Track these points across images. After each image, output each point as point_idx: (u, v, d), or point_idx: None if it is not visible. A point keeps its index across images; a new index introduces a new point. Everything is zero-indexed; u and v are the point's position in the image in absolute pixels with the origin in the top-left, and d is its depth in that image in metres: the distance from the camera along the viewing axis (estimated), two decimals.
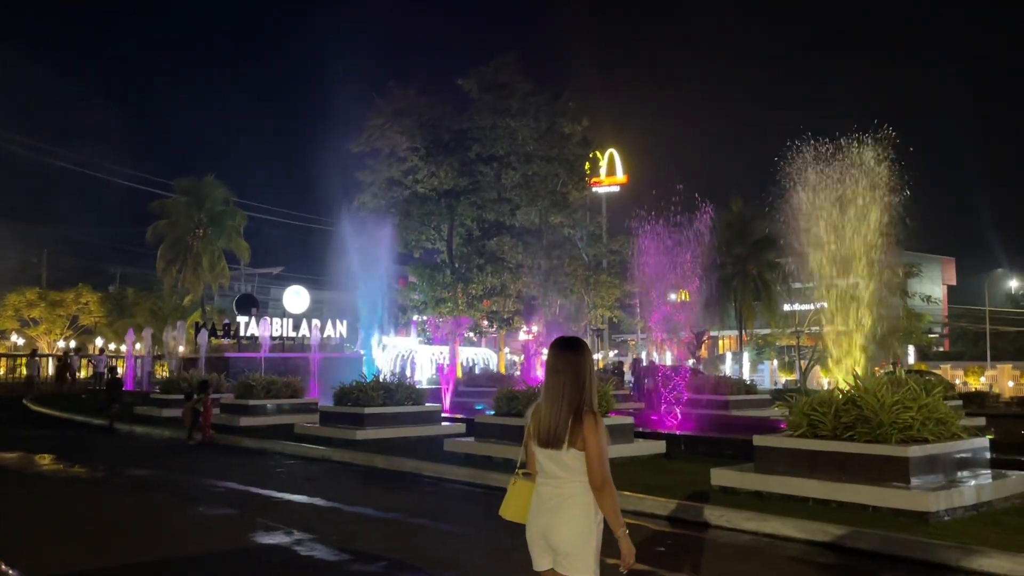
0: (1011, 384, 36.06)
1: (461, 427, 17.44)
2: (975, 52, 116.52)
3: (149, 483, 12.44)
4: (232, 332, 31.42)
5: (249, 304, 34.73)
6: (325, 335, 32.45)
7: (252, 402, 20.03)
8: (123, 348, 44.90)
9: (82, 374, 40.05)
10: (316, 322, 32.62)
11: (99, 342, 50.92)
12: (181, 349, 33.07)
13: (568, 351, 3.71)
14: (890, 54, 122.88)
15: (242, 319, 31.54)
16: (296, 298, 36.41)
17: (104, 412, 20.66)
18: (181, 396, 20.61)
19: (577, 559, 3.61)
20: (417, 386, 20.71)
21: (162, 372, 37.13)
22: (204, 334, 30.79)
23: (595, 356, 54.88)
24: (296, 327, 32.18)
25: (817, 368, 41.37)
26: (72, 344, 49.91)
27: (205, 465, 14.06)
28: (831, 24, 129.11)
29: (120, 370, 31.44)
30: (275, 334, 31.42)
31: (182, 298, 54.54)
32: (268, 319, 32.57)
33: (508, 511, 3.86)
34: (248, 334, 31.02)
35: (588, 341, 56.98)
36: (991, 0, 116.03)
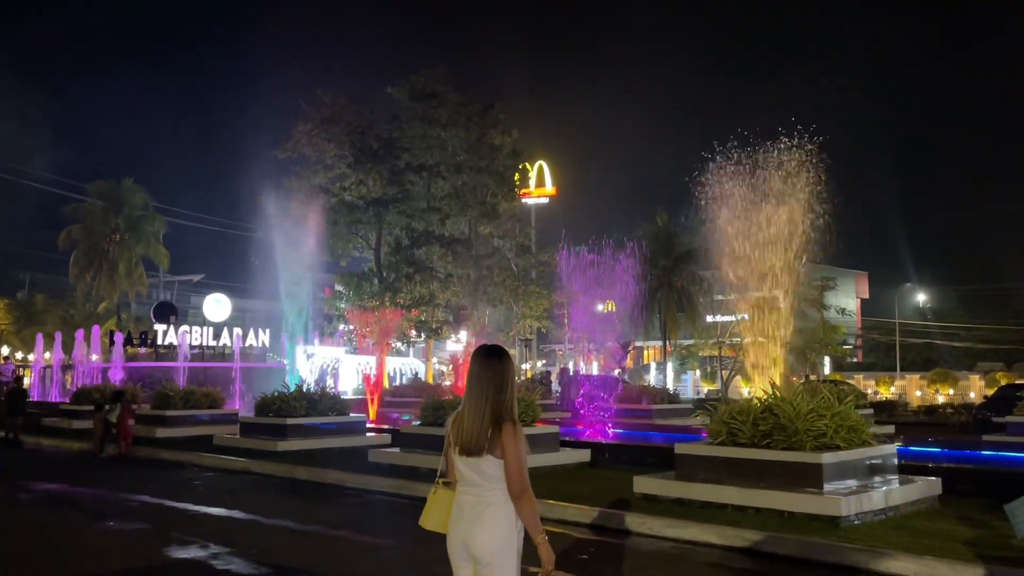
0: (919, 393, 37.64)
1: (387, 438, 17.25)
2: (891, 68, 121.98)
3: (57, 499, 11.92)
4: (149, 341, 30.42)
5: (168, 312, 33.71)
6: (247, 344, 31.73)
7: (170, 413, 19.41)
8: (31, 357, 42.96)
9: None
10: (238, 331, 31.87)
11: (5, 351, 48.59)
12: (94, 358, 31.82)
13: (490, 358, 3.70)
14: (809, 68, 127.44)
15: (160, 327, 30.58)
16: (217, 306, 35.51)
17: (4, 425, 19.68)
18: (92, 407, 19.82)
19: (498, 568, 3.58)
20: (342, 396, 20.40)
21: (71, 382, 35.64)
22: (120, 341, 29.72)
23: (523, 366, 55.00)
24: (217, 336, 31.37)
25: (738, 378, 42.45)
26: None
27: (118, 479, 13.53)
28: (757, 37, 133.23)
29: (26, 380, 30.04)
30: (195, 343, 30.56)
31: (96, 306, 52.61)
32: (187, 327, 31.65)
33: (429, 521, 3.83)
34: (166, 343, 30.08)
35: (515, 351, 57.14)
36: (909, 18, 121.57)
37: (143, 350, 30.65)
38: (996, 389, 28.56)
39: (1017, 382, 28.67)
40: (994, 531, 7.93)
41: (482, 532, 3.59)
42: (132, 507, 10.88)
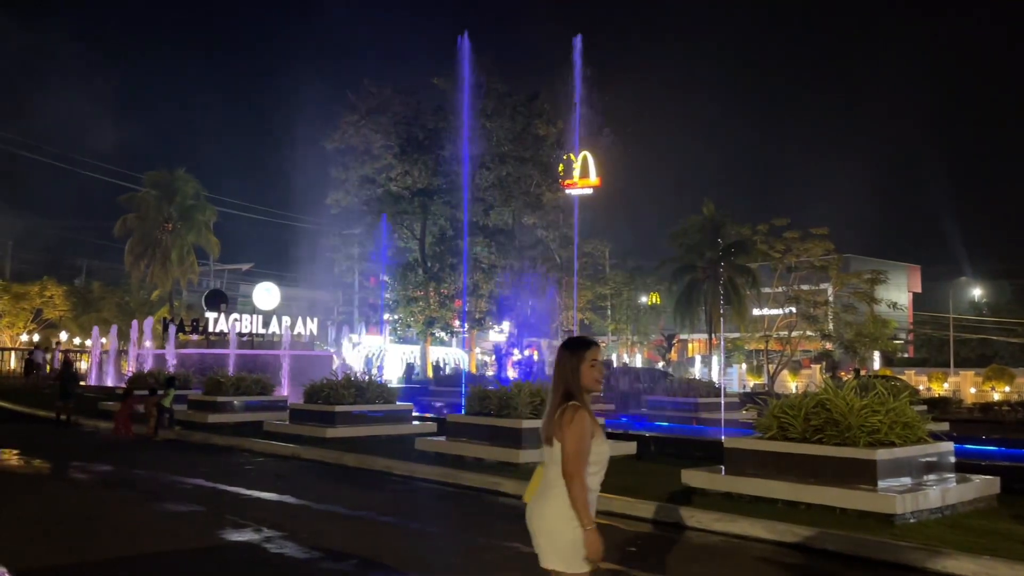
0: (973, 390, 36.70)
1: (432, 426, 17.39)
2: (948, 64, 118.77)
3: (115, 480, 12.25)
4: (201, 328, 31.06)
5: (218, 300, 34.37)
6: (295, 332, 32.20)
7: (221, 399, 19.80)
8: (88, 343, 44.18)
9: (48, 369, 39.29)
10: (286, 319, 32.36)
11: (63, 336, 50.06)
12: (148, 344, 32.61)
13: (562, 349, 3.84)
14: (866, 64, 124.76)
15: (211, 315, 31.19)
16: (266, 295, 36.10)
17: (57, 408, 20.46)
18: (146, 392, 20.33)
19: (543, 549, 3.70)
20: (387, 385, 20.62)
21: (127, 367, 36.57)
22: (172, 330, 30.41)
23: None
24: (266, 324, 31.89)
25: (784, 372, 41.84)
26: (36, 338, 48.98)
27: (172, 462, 13.87)
28: (814, 34, 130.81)
29: (75, 364, 30.85)
30: (244, 331, 31.11)
31: (150, 293, 53.88)
32: (237, 315, 32.23)
33: (526, 495, 3.96)
34: (217, 330, 30.68)
35: (557, 343, 57.15)
36: (967, 17, 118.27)
37: (194, 337, 31.29)
38: None
39: None
40: None
41: (539, 512, 3.73)
42: (186, 489, 11.14)
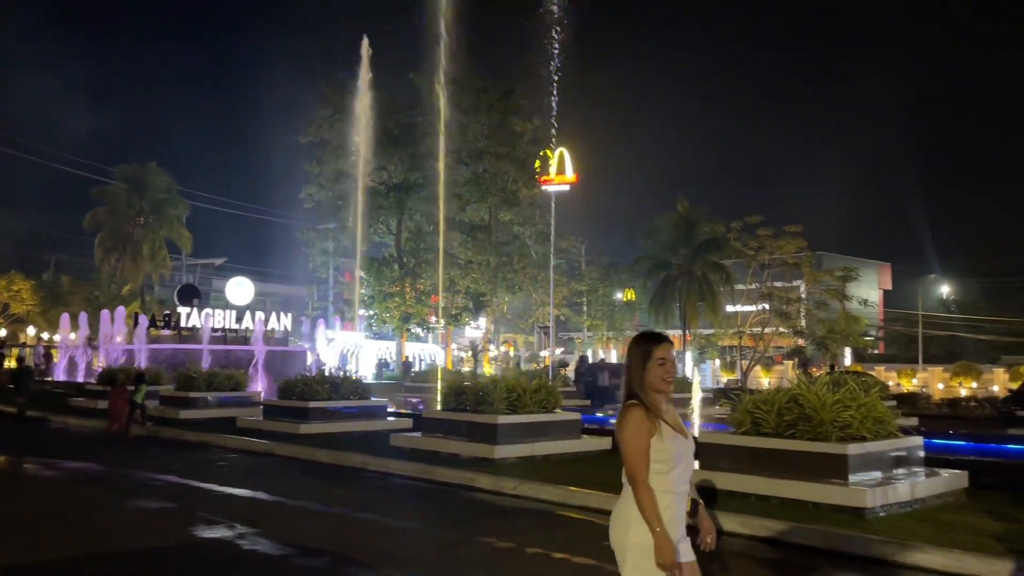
0: (941, 386, 37.26)
1: (408, 422, 17.34)
2: (921, 64, 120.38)
3: (85, 477, 12.08)
4: (173, 323, 30.72)
5: (191, 295, 34.02)
6: (269, 328, 31.94)
7: (193, 395, 19.62)
8: (56, 337, 43.54)
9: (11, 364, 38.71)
10: (260, 315, 32.09)
11: (30, 331, 49.26)
12: (119, 339, 32.17)
13: (631, 343, 3.67)
14: (841, 63, 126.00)
15: (183, 310, 30.87)
16: (239, 289, 35.78)
17: (13, 403, 20.20)
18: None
19: (619, 557, 3.53)
20: (362, 381, 20.52)
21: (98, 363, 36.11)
22: (144, 325, 30.04)
23: (542, 353, 54.82)
24: (239, 319, 31.61)
25: (758, 368, 42.21)
26: (2, 333, 48.15)
27: (144, 459, 13.71)
28: (790, 34, 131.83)
29: (27, 359, 30.37)
30: (217, 326, 30.81)
31: (120, 287, 53.20)
32: (210, 310, 31.91)
33: None
34: (189, 326, 30.36)
35: (533, 339, 57.08)
36: (932, 6, 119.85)
37: (166, 332, 30.94)
38: (1021, 382, 28.24)
39: None
40: (1022, 524, 7.86)
41: (612, 519, 3.61)
42: (158, 486, 11.02)
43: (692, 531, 3.66)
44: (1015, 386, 28.79)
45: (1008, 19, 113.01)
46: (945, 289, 56.93)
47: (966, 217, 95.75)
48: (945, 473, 9.63)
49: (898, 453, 9.37)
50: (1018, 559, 6.68)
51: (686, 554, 3.55)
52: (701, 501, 3.74)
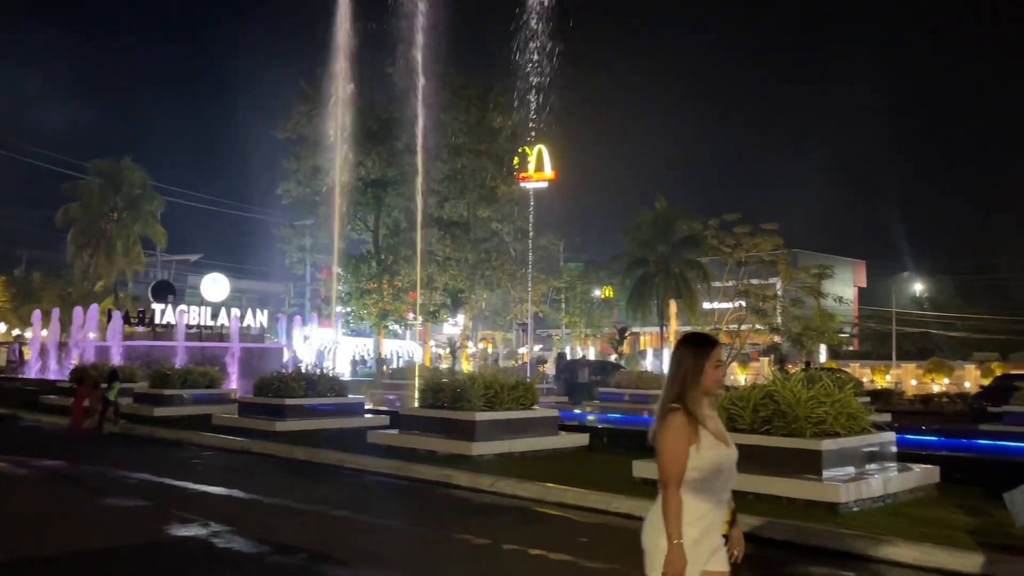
0: (914, 382, 37.77)
1: (385, 419, 17.28)
2: (895, 64, 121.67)
3: (58, 475, 11.93)
4: (147, 320, 30.39)
5: (165, 291, 33.70)
6: (244, 325, 31.70)
7: (168, 392, 19.44)
8: (27, 334, 42.93)
9: None
10: (235, 311, 31.84)
11: (2, 327, 48.55)
12: (92, 336, 31.79)
13: (683, 346, 3.54)
14: (818, 64, 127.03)
15: (158, 306, 30.56)
16: (214, 286, 35.49)
17: None
18: (91, 385, 19.84)
19: (649, 560, 3.44)
20: (340, 378, 20.44)
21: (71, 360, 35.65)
22: (118, 321, 29.69)
23: (520, 350, 54.84)
24: (215, 316, 31.34)
25: (734, 364, 42.52)
26: None
27: (118, 456, 13.55)
28: (770, 34, 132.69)
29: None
30: (192, 323, 30.53)
31: (93, 284, 52.55)
32: (185, 307, 31.61)
33: None
34: (164, 322, 30.05)
35: (511, 335, 56.96)
36: (918, 18, 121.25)
37: (140, 329, 30.61)
38: (992, 379, 28.66)
39: (1013, 372, 28.76)
40: (992, 519, 7.97)
41: (646, 521, 3.52)
42: (132, 485, 10.90)
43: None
44: (987, 382, 29.23)
45: (986, 21, 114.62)
46: (919, 287, 57.65)
47: (940, 216, 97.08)
48: (917, 468, 9.75)
49: (871, 449, 9.47)
50: (988, 552, 6.78)
51: (720, 563, 3.46)
52: (737, 514, 3.65)
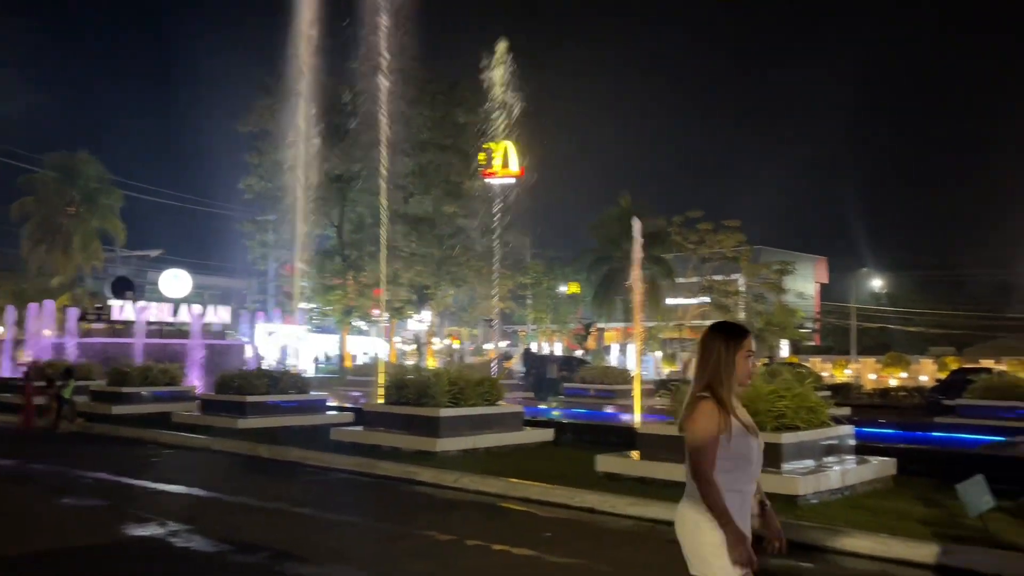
0: (873, 376, 38.45)
1: (349, 416, 17.14)
2: (855, 62, 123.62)
3: (12, 474, 11.66)
4: (105, 316, 29.83)
5: (125, 287, 33.09)
6: (206, 321, 31.24)
7: (126, 390, 19.08)
8: None
9: None
10: (196, 308, 31.36)
11: None
12: (47, 333, 31.10)
13: (713, 335, 3.45)
14: (781, 62, 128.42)
15: (116, 303, 29.99)
16: (175, 282, 34.91)
17: None
18: (44, 383, 19.43)
19: (690, 556, 3.35)
20: (303, 375, 20.26)
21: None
22: (74, 317, 29.07)
23: (486, 346, 54.83)
24: (175, 312, 30.84)
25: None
26: None
27: (74, 455, 13.28)
28: (735, 31, 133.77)
29: None
30: (152, 319, 30.01)
31: (50, 280, 51.40)
32: (145, 303, 31.08)
33: None
34: (123, 319, 29.51)
35: (477, 332, 57.00)
36: (877, 16, 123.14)
37: (98, 325, 30.03)
38: (948, 373, 29.30)
39: (967, 366, 29.43)
40: (946, 510, 8.13)
41: (678, 515, 3.45)
42: (89, 484, 10.69)
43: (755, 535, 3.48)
44: (943, 376, 29.87)
45: (945, 21, 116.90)
46: (878, 283, 58.67)
47: (900, 214, 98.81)
48: (875, 461, 9.92)
49: (830, 442, 9.61)
50: (942, 542, 6.92)
51: None
52: (768, 502, 3.59)
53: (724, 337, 3.40)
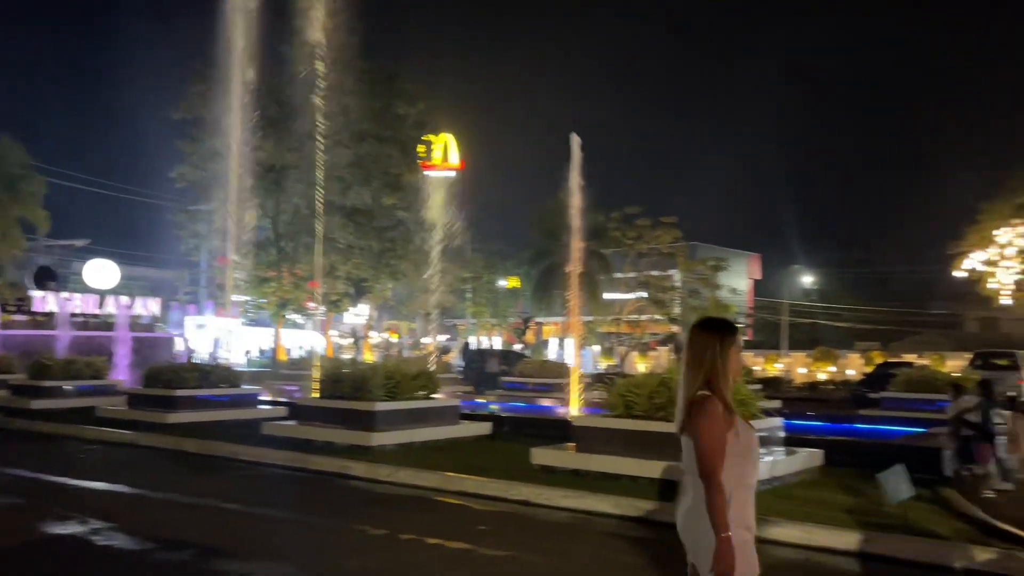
0: (803, 370, 39.49)
1: (282, 410, 16.82)
2: (793, 61, 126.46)
3: None
4: (26, 308, 28.70)
5: (47, 278, 31.91)
6: (134, 313, 30.34)
7: (47, 383, 18.37)
8: None
9: None
10: (124, 299, 30.42)
11: None
12: None
13: (702, 331, 3.40)
14: (722, 64, 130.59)
15: (38, 294, 28.88)
16: (101, 272, 33.83)
17: None
18: None
19: (701, 562, 3.25)
20: (236, 369, 19.82)
21: None
22: None
23: (424, 340, 54.58)
24: (102, 304, 29.86)
25: (634, 354, 43.49)
26: None
27: None
28: (678, 31, 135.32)
29: None
30: (78, 311, 29.00)
31: None
32: (69, 295, 30.01)
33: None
34: (46, 310, 28.44)
35: (415, 325, 56.57)
36: (818, 14, 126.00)
37: (19, 317, 28.88)
38: (873, 367, 30.25)
39: (891, 360, 30.44)
40: (868, 498, 8.39)
41: (682, 521, 3.37)
42: (4, 481, 10.25)
43: None
44: (869, 370, 30.84)
45: (886, 17, 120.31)
46: (808, 279, 60.28)
47: (830, 212, 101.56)
48: (803, 452, 10.18)
49: (760, 434, 9.78)
50: (864, 530, 7.13)
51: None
52: None
53: (718, 334, 3.36)
